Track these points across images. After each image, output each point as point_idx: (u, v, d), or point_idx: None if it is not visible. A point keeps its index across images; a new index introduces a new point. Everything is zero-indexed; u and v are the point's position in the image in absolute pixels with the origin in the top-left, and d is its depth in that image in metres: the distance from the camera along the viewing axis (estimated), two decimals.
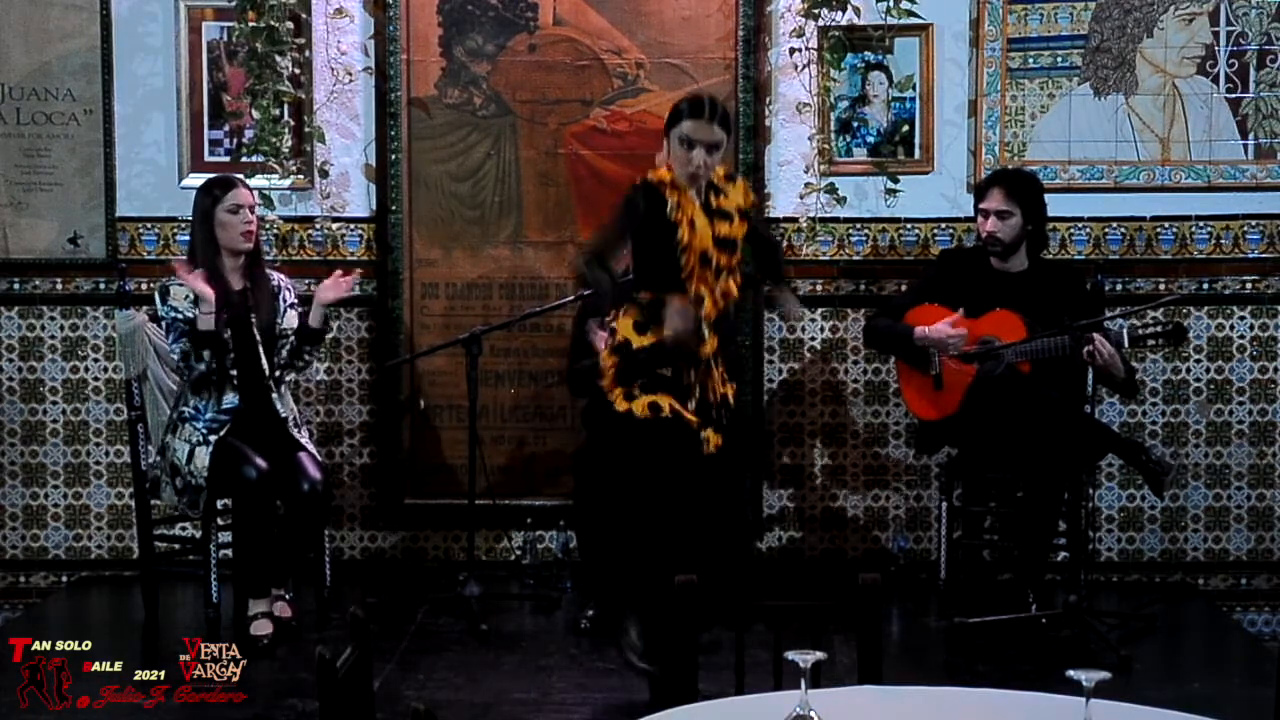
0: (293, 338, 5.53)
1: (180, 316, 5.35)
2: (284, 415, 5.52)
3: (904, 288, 6.06)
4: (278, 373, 5.53)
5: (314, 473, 5.41)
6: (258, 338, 5.43)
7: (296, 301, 5.63)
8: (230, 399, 5.41)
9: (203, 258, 5.43)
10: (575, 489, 5.65)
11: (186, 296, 5.37)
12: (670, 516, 4.84)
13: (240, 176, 5.67)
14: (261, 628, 5.30)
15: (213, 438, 5.35)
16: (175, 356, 5.42)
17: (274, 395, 5.49)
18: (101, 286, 6.27)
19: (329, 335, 5.91)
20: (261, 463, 5.29)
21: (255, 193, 5.65)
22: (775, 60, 6.14)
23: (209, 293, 5.31)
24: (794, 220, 6.14)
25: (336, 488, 6.17)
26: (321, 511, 5.52)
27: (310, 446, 5.56)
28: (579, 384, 5.82)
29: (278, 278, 5.63)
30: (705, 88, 6.08)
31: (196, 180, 5.94)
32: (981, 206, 5.62)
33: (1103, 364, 5.30)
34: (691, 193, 4.85)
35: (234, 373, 5.40)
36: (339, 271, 5.63)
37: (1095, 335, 5.27)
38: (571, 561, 6.08)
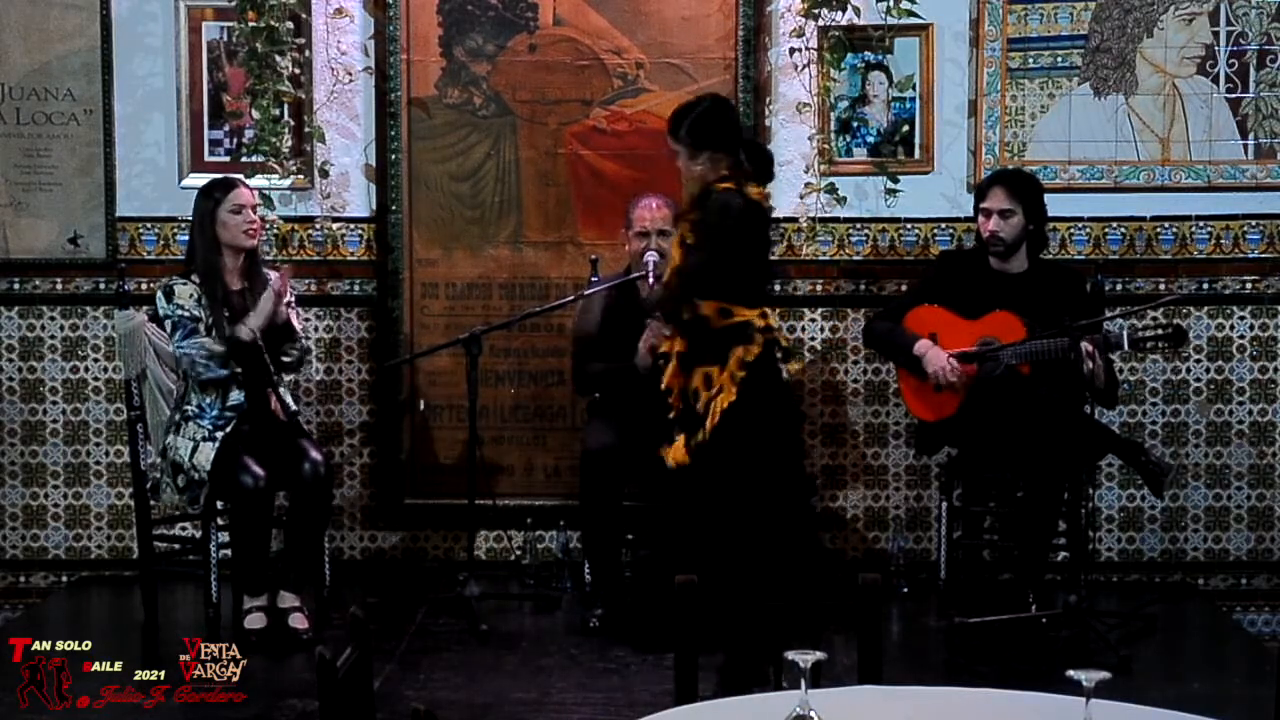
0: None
1: (187, 315, 5.37)
2: (294, 409, 5.54)
3: (904, 288, 6.06)
4: (280, 373, 5.54)
5: (315, 454, 5.43)
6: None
7: (294, 300, 5.64)
8: (235, 396, 5.42)
9: (203, 258, 5.45)
10: (582, 489, 5.63)
11: (191, 295, 5.39)
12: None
13: (240, 177, 5.68)
14: (255, 622, 5.33)
15: (219, 434, 5.35)
16: (187, 354, 5.37)
17: (280, 392, 5.51)
18: (101, 286, 6.26)
19: (301, 329, 5.82)
20: (259, 470, 5.30)
21: (255, 192, 5.66)
22: (775, 60, 6.14)
23: (267, 311, 5.36)
24: (794, 220, 6.13)
25: (336, 487, 6.17)
26: (324, 492, 5.51)
27: (311, 438, 5.58)
28: (587, 386, 5.83)
29: (275, 276, 5.62)
30: (705, 88, 6.08)
31: (197, 180, 5.94)
32: (983, 206, 5.60)
33: (1087, 373, 5.27)
34: None
35: (239, 371, 5.41)
36: (286, 268, 5.66)
37: (1086, 346, 5.24)
38: (571, 561, 6.08)
